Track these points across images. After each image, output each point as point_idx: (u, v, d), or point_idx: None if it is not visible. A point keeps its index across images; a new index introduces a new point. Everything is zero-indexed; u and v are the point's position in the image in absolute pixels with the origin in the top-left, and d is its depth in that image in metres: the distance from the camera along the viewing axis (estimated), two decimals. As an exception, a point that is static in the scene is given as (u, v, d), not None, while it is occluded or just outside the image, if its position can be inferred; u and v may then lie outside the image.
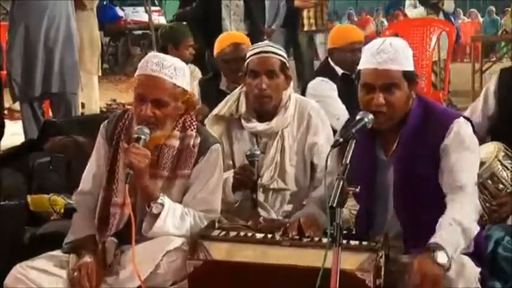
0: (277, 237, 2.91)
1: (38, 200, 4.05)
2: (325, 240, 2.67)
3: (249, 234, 2.97)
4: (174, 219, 2.98)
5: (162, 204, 2.97)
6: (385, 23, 21.28)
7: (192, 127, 3.10)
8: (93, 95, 7.42)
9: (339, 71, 4.93)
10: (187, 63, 5.21)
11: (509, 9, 15.61)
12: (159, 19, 15.43)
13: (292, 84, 3.60)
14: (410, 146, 2.91)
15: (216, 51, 4.68)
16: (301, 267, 2.70)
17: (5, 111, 5.79)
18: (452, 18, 10.38)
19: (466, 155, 2.87)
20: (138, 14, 16.31)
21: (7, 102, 6.12)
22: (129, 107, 3.16)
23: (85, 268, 2.91)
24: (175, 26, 6.01)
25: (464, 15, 23.72)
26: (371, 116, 2.80)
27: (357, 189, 2.55)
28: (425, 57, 7.46)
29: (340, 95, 4.80)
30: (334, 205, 2.43)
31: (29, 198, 4.05)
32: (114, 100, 10.24)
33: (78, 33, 6.35)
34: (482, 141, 3.33)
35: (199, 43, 6.06)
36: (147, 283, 2.84)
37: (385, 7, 24.38)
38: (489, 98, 3.69)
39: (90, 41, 7.15)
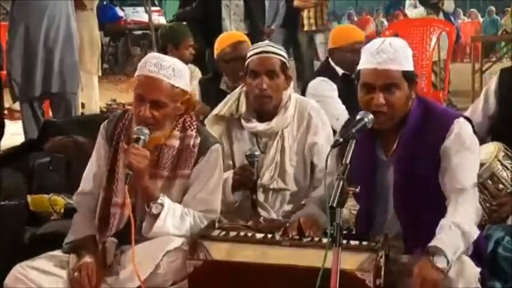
0: (277, 237, 2.91)
1: (38, 200, 4.05)
2: (325, 240, 2.67)
3: (249, 234, 2.97)
4: (173, 220, 2.98)
5: (162, 205, 2.97)
6: (385, 23, 21.28)
7: (192, 127, 3.10)
8: (93, 95, 7.42)
9: (340, 71, 4.92)
10: (187, 63, 5.22)
11: (509, 9, 15.61)
12: (159, 19, 15.43)
13: (292, 84, 3.60)
14: (411, 146, 2.91)
15: (216, 51, 4.68)
16: (301, 267, 2.70)
17: (5, 111, 5.79)
18: (452, 18, 10.39)
19: (467, 156, 2.87)
20: (138, 14, 16.31)
21: (7, 102, 6.12)
22: (129, 107, 3.16)
23: (85, 269, 2.91)
24: (175, 26, 6.01)
25: (464, 15, 23.72)
26: (371, 116, 2.80)
27: (357, 189, 2.54)
28: (425, 57, 7.46)
29: (340, 95, 4.79)
30: (334, 205, 2.43)
31: (29, 198, 4.05)
32: (114, 100, 10.24)
33: (78, 33, 6.35)
34: (482, 141, 3.32)
35: (199, 43, 6.06)
36: (147, 283, 2.84)
37: (385, 7, 24.37)
38: (489, 97, 3.69)
39: (90, 41, 7.15)
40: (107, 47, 15.73)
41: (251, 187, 3.44)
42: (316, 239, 2.86)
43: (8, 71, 6.11)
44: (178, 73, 3.02)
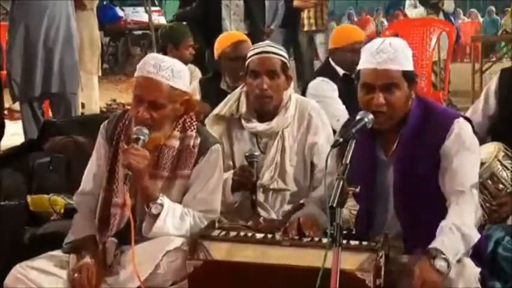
0: (277, 237, 2.91)
1: (38, 200, 4.05)
2: (325, 240, 2.67)
3: (249, 234, 2.97)
4: (173, 220, 2.98)
5: (162, 205, 2.96)
6: (385, 23, 21.28)
7: (192, 127, 3.10)
8: (93, 95, 7.43)
9: (340, 71, 4.92)
10: (187, 63, 5.23)
11: (509, 9, 15.61)
12: (159, 19, 15.43)
13: (292, 84, 3.60)
14: (410, 146, 2.91)
15: (217, 51, 4.67)
16: (301, 267, 2.70)
17: (5, 111, 5.79)
18: (452, 18, 10.39)
19: (467, 157, 2.87)
20: (138, 14, 16.30)
21: (7, 102, 6.12)
22: (129, 107, 3.15)
23: (85, 269, 2.91)
24: (175, 26, 6.01)
25: (464, 15, 23.72)
26: (371, 116, 2.80)
27: (357, 189, 2.54)
28: (425, 57, 7.46)
29: (341, 96, 4.79)
30: (334, 205, 2.43)
31: (29, 198, 4.05)
32: (114, 100, 10.24)
33: (78, 33, 6.35)
34: (482, 141, 3.33)
35: (199, 43, 6.07)
36: (147, 283, 2.84)
37: (385, 7, 24.38)
38: (490, 98, 3.69)
39: (90, 41, 7.15)
40: (107, 47, 15.73)
41: (251, 188, 3.44)
42: (316, 239, 2.85)
43: (8, 71, 6.12)
44: (177, 74, 3.01)
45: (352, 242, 2.74)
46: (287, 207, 3.53)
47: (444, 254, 2.61)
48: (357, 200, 3.04)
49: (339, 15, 26.15)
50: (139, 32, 15.89)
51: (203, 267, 2.81)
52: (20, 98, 6.15)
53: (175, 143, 3.06)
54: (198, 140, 3.08)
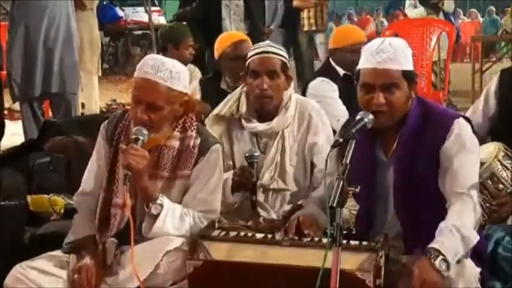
0: (277, 237, 2.91)
1: (38, 200, 4.05)
2: (325, 240, 2.67)
3: (249, 234, 2.97)
4: (173, 220, 2.98)
5: (161, 205, 2.96)
6: (385, 23, 21.29)
7: (192, 128, 3.10)
8: (93, 95, 7.43)
9: (340, 71, 4.92)
10: (187, 63, 5.23)
11: (509, 9, 15.60)
12: (159, 19, 15.44)
13: (292, 84, 3.60)
14: (410, 146, 2.91)
15: (217, 51, 4.67)
16: (301, 267, 2.70)
17: (5, 111, 5.79)
18: (452, 18, 10.39)
19: (467, 158, 2.86)
20: (138, 14, 16.31)
21: (7, 102, 6.12)
22: (129, 107, 3.15)
23: (85, 270, 2.91)
24: (175, 26, 6.01)
25: (464, 15, 23.73)
26: (371, 116, 2.80)
27: (357, 189, 2.54)
28: (425, 57, 7.46)
29: (341, 96, 4.79)
30: (334, 205, 2.43)
31: (29, 198, 4.05)
32: (114, 100, 10.25)
33: (78, 33, 6.35)
34: (482, 141, 3.33)
35: (199, 43, 6.07)
36: (147, 283, 2.84)
37: (385, 7, 24.38)
38: (490, 98, 3.69)
39: (90, 41, 7.15)
40: (107, 47, 15.73)
41: (251, 188, 3.44)
42: (316, 239, 2.85)
43: (8, 71, 6.12)
44: (175, 75, 3.00)
45: (352, 242, 2.74)
46: (287, 207, 3.53)
47: (444, 255, 2.61)
48: (357, 200, 3.04)
49: (339, 15, 26.16)
50: (139, 32, 15.89)
51: (203, 267, 2.81)
52: (20, 98, 6.16)
53: (175, 143, 3.06)
54: (198, 140, 3.08)
